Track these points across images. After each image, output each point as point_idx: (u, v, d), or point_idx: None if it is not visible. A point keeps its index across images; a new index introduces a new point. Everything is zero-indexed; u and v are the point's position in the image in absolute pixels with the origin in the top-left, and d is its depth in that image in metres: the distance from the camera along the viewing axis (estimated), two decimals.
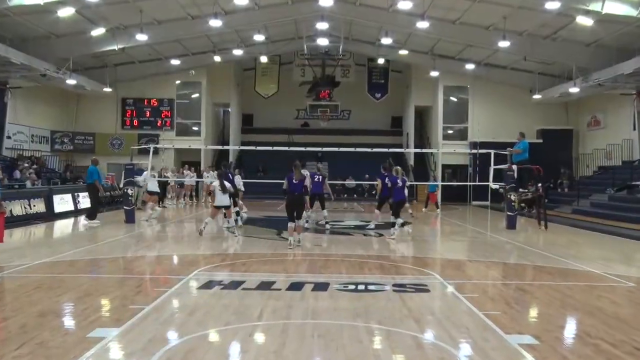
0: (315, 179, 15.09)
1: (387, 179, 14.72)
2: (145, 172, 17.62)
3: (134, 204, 16.30)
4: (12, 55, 19.02)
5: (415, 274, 8.57)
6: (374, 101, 33.12)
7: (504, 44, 21.58)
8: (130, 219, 15.70)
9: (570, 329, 5.76)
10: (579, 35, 20.97)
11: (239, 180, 14.86)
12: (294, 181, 10.94)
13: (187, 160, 29.20)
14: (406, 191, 13.45)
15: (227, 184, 12.91)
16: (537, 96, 27.49)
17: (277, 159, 30.42)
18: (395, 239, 12.55)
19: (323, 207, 15.60)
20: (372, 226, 14.96)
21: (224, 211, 13.30)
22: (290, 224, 11.14)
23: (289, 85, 33.91)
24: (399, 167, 13.67)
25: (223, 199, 12.73)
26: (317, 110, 32.37)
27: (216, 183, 12.93)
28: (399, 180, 13.10)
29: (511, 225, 15.55)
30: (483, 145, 23.39)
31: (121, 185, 17.51)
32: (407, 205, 16.37)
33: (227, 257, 10.13)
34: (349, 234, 14.23)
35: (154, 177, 17.98)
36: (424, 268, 9.02)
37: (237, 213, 15.22)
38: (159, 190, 18.15)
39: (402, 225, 13.01)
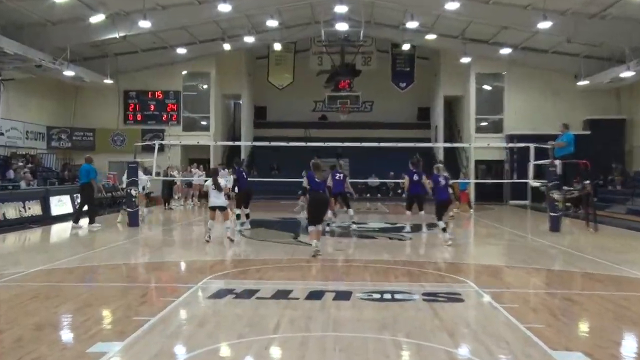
0: (337, 178, 15.05)
1: (415, 175, 14.63)
2: (140, 172, 17.82)
3: (138, 205, 16.39)
4: (4, 45, 19.20)
5: (447, 281, 8.49)
6: (398, 91, 33.00)
7: (544, 24, 21.24)
8: (133, 222, 15.81)
9: (628, 346, 5.61)
10: (631, 12, 20.49)
11: (224, 182, 13.84)
12: (316, 179, 10.85)
13: (195, 158, 29.39)
14: (450, 190, 13.22)
15: (221, 181, 12.82)
16: (583, 82, 27.07)
17: (293, 156, 30.48)
18: (450, 243, 12.34)
19: (348, 207, 15.57)
20: (408, 229, 14.79)
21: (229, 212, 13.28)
22: (312, 228, 10.96)
23: (305, 75, 33.90)
24: (440, 164, 13.46)
25: (216, 200, 12.64)
26: (336, 101, 32.30)
27: (209, 182, 12.85)
28: (441, 179, 12.87)
29: (555, 227, 15.32)
30: (521, 138, 23.16)
31: (124, 186, 17.65)
32: (454, 209, 16.20)
33: (239, 263, 10.13)
34: (373, 237, 14.18)
35: (149, 175, 18.05)
36: (457, 275, 8.93)
37: (238, 217, 15.28)
38: (145, 190, 18.22)
39: (444, 230, 12.75)
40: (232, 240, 12.42)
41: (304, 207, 19.20)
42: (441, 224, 12.76)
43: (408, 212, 14.96)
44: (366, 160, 32.37)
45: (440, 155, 31.96)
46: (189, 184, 25.15)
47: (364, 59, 34.23)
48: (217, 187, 12.62)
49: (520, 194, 27.89)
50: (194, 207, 24.98)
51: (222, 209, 12.72)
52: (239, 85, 32.93)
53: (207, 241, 12.32)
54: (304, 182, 11.08)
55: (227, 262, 10.16)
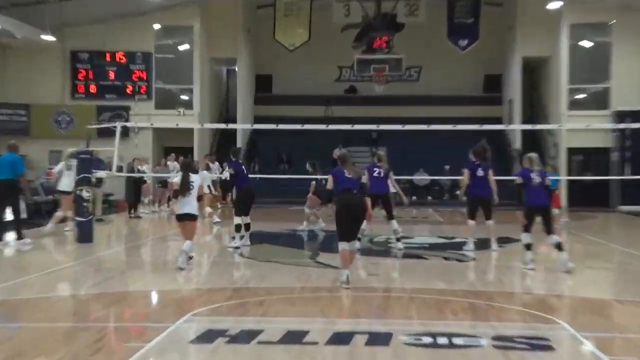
0: (375, 174, 14.79)
1: (479, 169, 14.50)
2: (60, 165, 17.89)
3: (92, 213, 16.47)
4: None
5: (528, 320, 8.42)
6: (457, 52, 32.78)
7: None
8: (84, 236, 15.91)
9: None
10: None
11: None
12: (346, 175, 10.68)
13: (173, 147, 29.58)
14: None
15: (195, 178, 12.41)
16: None
17: (309, 144, 30.51)
18: (533, 269, 12.13)
19: (390, 217, 15.21)
20: (471, 246, 14.69)
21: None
22: (344, 246, 10.59)
23: (327, 31, 33.92)
24: (533, 154, 13.05)
25: (184, 206, 12.37)
26: (369, 67, 32.23)
27: (178, 179, 12.41)
28: (534, 175, 12.58)
29: None
30: (636, 116, 22.91)
31: (62, 186, 17.77)
32: (556, 212, 15.95)
33: (234, 293, 10.11)
34: (421, 257, 14.16)
35: (71, 168, 17.72)
36: (543, 312, 8.82)
37: (238, 228, 15.09)
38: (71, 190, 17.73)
39: (527, 247, 12.53)
40: (181, 269, 12.08)
41: (317, 218, 19.33)
42: (526, 237, 12.55)
43: (471, 222, 14.84)
44: (411, 150, 32.34)
45: (517, 142, 31.82)
46: (164, 183, 25.22)
47: (408, 7, 34.17)
48: (183, 187, 12.34)
49: (636, 195, 27.60)
50: (171, 214, 25.04)
51: (191, 217, 12.29)
52: (233, 46, 33.09)
53: (181, 269, 12.11)
54: (328, 182, 10.93)
55: (217, 292, 10.14)
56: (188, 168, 12.54)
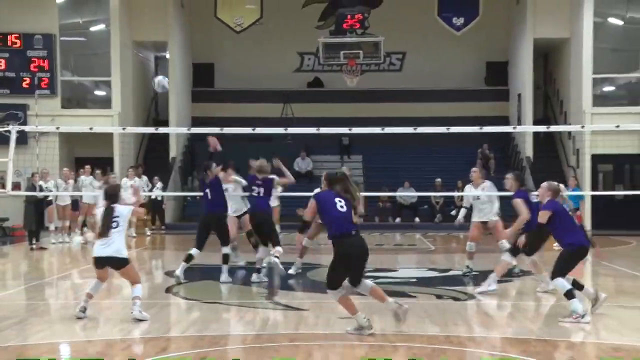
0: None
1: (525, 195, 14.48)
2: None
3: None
4: None
5: None
6: (451, 34, 33.05)
7: None
8: None
9: None
10: None
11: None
12: (337, 206, 10.53)
13: (87, 157, 29.42)
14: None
15: (120, 210, 12.18)
16: None
17: (263, 152, 30.38)
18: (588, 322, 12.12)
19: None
20: (489, 287, 14.67)
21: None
22: (334, 292, 10.73)
23: (284, 7, 34.08)
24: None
25: (105, 247, 12.15)
26: (338, 53, 32.36)
27: (99, 212, 12.22)
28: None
29: None
30: None
31: None
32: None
33: (168, 344, 10.13)
34: (407, 295, 14.23)
35: None
36: None
37: (226, 259, 15.35)
38: None
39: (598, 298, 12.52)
40: (139, 320, 12.00)
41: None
42: (562, 283, 12.09)
43: (532, 260, 14.61)
44: (393, 159, 32.52)
45: (528, 148, 32.06)
46: (74, 204, 25.07)
47: None
48: (104, 227, 11.96)
49: None
50: (86, 243, 24.96)
51: (119, 262, 11.97)
52: (162, 26, 33.09)
53: (79, 318, 11.96)
54: (308, 208, 10.83)
55: (147, 343, 10.14)
56: (114, 197, 12.12)
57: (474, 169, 16.96)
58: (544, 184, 12.70)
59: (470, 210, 16.60)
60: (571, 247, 11.99)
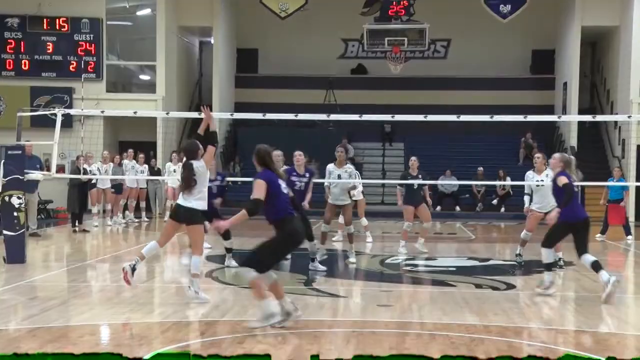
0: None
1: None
2: None
3: (26, 225, 16.50)
4: None
5: None
6: (497, 22, 32.85)
7: None
8: (14, 255, 15.92)
9: None
10: None
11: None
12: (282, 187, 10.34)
13: (131, 141, 29.65)
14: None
15: (198, 165, 12.28)
16: None
17: (305, 137, 30.51)
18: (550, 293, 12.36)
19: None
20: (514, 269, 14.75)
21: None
22: (261, 276, 10.22)
23: None
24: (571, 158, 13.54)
25: (182, 201, 12.22)
26: (383, 40, 32.32)
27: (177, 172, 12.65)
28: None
29: None
30: None
31: None
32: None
33: (207, 327, 10.21)
34: (446, 284, 14.24)
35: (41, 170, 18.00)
36: (599, 354, 8.84)
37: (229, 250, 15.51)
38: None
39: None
40: (195, 294, 12.06)
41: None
42: (548, 253, 12.97)
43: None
44: (435, 147, 32.43)
45: (573, 138, 31.83)
46: (118, 187, 25.26)
47: None
48: (187, 182, 12.03)
49: None
50: (127, 225, 25.13)
51: (195, 216, 12.00)
52: (208, 11, 33.19)
53: (200, 297, 12.07)
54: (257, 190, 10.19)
55: (185, 327, 10.21)
56: (192, 154, 12.09)
57: (537, 155, 16.80)
58: (557, 155, 13.39)
59: (531, 197, 16.40)
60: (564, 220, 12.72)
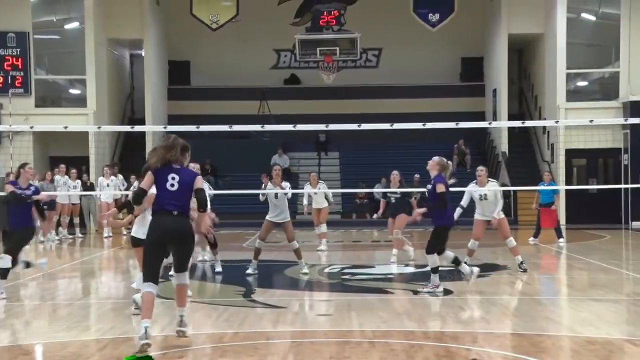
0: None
1: None
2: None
3: None
4: None
5: None
6: (427, 30, 33.11)
7: None
8: None
9: None
10: None
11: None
12: (168, 182, 9.96)
13: (62, 156, 29.30)
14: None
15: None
16: None
17: (240, 149, 30.53)
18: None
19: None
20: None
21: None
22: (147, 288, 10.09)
23: (260, 4, 33.99)
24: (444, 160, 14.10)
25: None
26: (314, 50, 32.35)
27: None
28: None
29: None
30: None
31: None
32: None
33: (153, 342, 10.13)
34: (384, 291, 14.28)
35: None
36: (535, 356, 9.00)
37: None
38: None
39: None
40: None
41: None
42: (433, 259, 13.58)
43: None
44: (370, 155, 32.53)
45: (503, 143, 32.17)
46: (50, 204, 24.95)
47: None
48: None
49: None
50: (61, 242, 24.84)
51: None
52: (138, 24, 33.01)
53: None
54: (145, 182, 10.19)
55: (122, 343, 10.12)
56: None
57: (480, 167, 16.94)
58: (436, 158, 14.03)
59: (463, 210, 16.57)
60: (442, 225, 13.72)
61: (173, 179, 9.79)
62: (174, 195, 9.82)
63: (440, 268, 13.77)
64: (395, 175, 18.63)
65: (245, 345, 9.85)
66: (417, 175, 29.15)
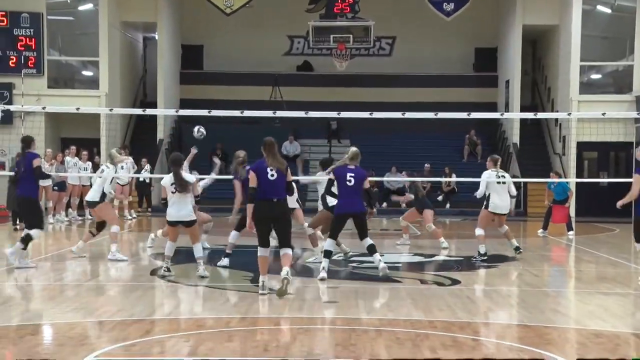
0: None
1: None
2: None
3: None
4: None
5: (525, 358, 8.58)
6: (441, 20, 33.00)
7: None
8: None
9: None
10: None
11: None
12: (268, 173, 11.55)
13: (73, 138, 29.38)
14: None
15: (187, 175, 13.28)
16: None
17: (251, 134, 30.39)
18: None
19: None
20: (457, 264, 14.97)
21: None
22: (262, 253, 12.08)
23: None
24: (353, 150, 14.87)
25: (179, 209, 13.57)
26: (328, 37, 32.33)
27: (168, 179, 13.77)
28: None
29: None
30: None
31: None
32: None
33: (152, 326, 10.14)
34: (392, 280, 14.30)
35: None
36: (542, 349, 9.01)
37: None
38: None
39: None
40: (204, 277, 13.13)
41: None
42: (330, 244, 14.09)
43: None
44: (381, 144, 32.49)
45: (515, 135, 32.11)
46: (60, 185, 25.01)
47: None
48: (181, 185, 12.99)
49: None
50: (70, 223, 24.89)
51: (190, 223, 13.77)
52: (152, 7, 32.94)
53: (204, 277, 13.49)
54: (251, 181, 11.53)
55: (130, 325, 10.16)
56: (179, 164, 13.84)
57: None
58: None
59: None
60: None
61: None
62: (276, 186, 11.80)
63: None
64: (427, 167, 18.69)
65: (252, 331, 9.89)
66: (427, 165, 29.16)
